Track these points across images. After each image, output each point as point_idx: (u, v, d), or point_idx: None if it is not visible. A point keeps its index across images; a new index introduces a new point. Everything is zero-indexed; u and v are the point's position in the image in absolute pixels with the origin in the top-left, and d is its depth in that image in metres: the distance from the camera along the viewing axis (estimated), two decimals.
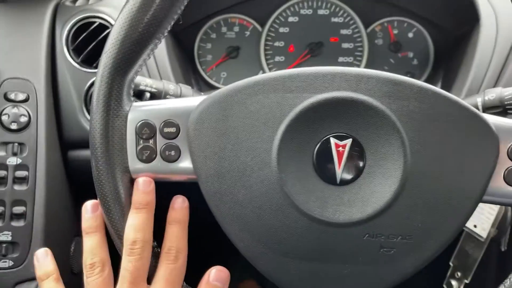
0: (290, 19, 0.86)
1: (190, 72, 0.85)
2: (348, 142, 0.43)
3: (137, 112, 0.45)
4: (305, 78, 0.43)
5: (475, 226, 0.72)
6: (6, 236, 0.65)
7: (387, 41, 0.86)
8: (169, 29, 0.45)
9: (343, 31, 0.86)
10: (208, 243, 0.82)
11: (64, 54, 0.72)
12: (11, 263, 0.66)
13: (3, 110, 0.67)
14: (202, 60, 0.88)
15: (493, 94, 0.55)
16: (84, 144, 0.66)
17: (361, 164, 0.43)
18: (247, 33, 0.87)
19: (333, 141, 0.43)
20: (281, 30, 0.87)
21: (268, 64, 0.87)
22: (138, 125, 0.45)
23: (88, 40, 0.72)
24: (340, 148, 0.43)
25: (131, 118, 0.45)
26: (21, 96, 0.68)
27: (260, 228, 0.44)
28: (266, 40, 0.87)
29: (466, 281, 0.77)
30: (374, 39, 0.86)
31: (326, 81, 0.43)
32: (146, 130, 0.45)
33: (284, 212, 0.43)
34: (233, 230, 0.44)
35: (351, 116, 0.43)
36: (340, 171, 0.43)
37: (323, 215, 0.43)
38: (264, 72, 0.86)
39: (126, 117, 0.45)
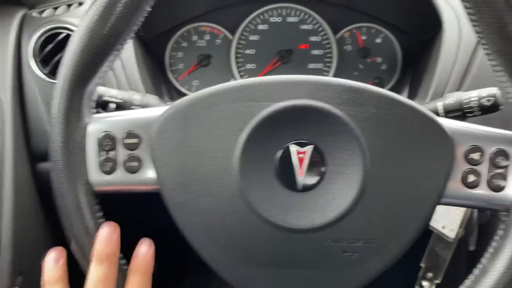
0: (260, 27, 0.87)
1: (161, 81, 0.86)
2: (309, 149, 0.44)
3: (98, 123, 0.45)
4: (264, 87, 0.44)
5: (443, 227, 0.74)
6: None
7: (355, 47, 0.87)
8: (129, 40, 0.45)
9: (312, 38, 0.87)
10: (185, 249, 0.82)
11: (31, 65, 0.71)
12: None
13: None
14: (174, 68, 0.88)
15: (453, 98, 0.57)
16: None
17: (321, 170, 0.44)
18: (218, 41, 0.88)
19: (294, 148, 0.44)
20: (251, 38, 0.87)
21: (239, 72, 0.88)
22: (99, 137, 0.45)
23: (55, 51, 0.71)
24: (301, 155, 0.44)
25: (92, 130, 0.45)
26: None
27: (224, 237, 0.44)
28: (237, 48, 0.87)
29: (437, 282, 0.78)
30: (343, 45, 0.87)
31: (286, 90, 0.44)
32: (108, 142, 0.45)
33: (247, 220, 0.44)
34: (196, 240, 0.45)
35: (311, 123, 0.44)
36: (302, 178, 0.44)
37: (285, 222, 0.44)
38: (235, 79, 0.87)
39: (86, 130, 0.45)
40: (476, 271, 0.45)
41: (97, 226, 0.44)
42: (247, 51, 0.88)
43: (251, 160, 0.44)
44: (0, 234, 0.65)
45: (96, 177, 0.45)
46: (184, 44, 0.88)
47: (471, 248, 0.77)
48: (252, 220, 0.44)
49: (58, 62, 0.71)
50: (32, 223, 0.72)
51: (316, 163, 0.44)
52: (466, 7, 0.42)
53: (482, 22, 0.41)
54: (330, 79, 0.44)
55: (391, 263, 0.45)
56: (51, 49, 0.71)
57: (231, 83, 0.44)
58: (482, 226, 0.76)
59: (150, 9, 0.44)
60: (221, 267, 0.45)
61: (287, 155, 0.44)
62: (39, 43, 0.72)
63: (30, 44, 0.71)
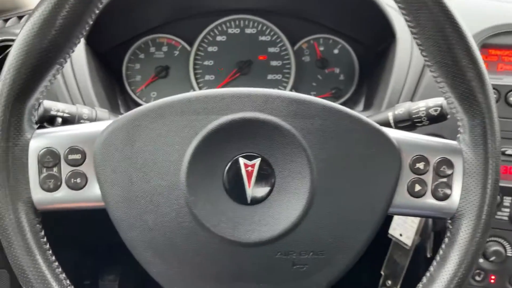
0: (218, 38, 0.87)
1: (117, 93, 0.84)
2: (257, 161, 0.44)
3: (40, 139, 0.44)
4: (211, 100, 0.43)
5: (401, 235, 0.75)
6: None
7: (314, 58, 0.88)
8: (71, 53, 0.44)
9: (271, 49, 0.87)
10: None
11: None
12: None
13: None
14: (131, 80, 0.87)
15: (402, 109, 0.58)
16: None
17: (270, 183, 0.44)
18: (176, 52, 0.87)
19: (242, 161, 0.44)
20: (210, 49, 0.87)
21: (198, 83, 0.87)
22: (40, 153, 0.43)
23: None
24: (249, 168, 0.44)
25: (33, 146, 0.43)
26: None
27: (172, 252, 0.43)
28: (195, 59, 0.87)
29: None
30: (301, 56, 0.88)
31: (233, 103, 0.43)
32: (49, 158, 0.43)
33: (195, 235, 0.43)
34: (144, 257, 0.43)
35: (258, 136, 0.44)
36: (250, 191, 0.44)
37: (234, 236, 0.43)
38: (194, 91, 0.86)
39: (27, 146, 0.43)
40: (424, 280, 0.45)
41: (39, 246, 0.43)
42: (206, 62, 0.87)
43: (198, 174, 0.43)
44: None
45: (38, 195, 0.43)
46: (142, 56, 0.87)
47: (428, 255, 0.78)
48: (201, 235, 0.43)
49: None
50: None
51: (265, 176, 0.44)
52: (407, 20, 0.43)
53: (422, 35, 0.42)
54: (277, 91, 0.44)
55: (341, 274, 0.45)
56: (1, 61, 0.69)
57: (177, 96, 0.44)
58: (438, 232, 0.77)
59: (92, 22, 0.43)
60: (171, 284, 0.44)
61: (235, 168, 0.44)
62: None
63: None
